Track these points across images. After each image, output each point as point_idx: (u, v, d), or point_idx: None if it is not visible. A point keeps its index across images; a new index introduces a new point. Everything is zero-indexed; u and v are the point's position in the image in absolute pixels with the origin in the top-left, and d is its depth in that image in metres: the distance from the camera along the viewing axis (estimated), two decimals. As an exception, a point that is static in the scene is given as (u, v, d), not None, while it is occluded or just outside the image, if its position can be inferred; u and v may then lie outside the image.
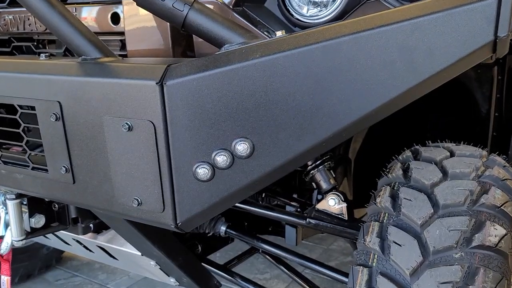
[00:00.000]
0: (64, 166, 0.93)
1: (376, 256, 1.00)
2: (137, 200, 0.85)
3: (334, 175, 1.39)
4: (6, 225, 1.19)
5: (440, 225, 0.96)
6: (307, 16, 1.02)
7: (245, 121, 0.78)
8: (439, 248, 0.94)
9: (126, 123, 0.81)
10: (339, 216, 1.37)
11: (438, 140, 1.29)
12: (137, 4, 0.82)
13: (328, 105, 0.76)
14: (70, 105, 0.88)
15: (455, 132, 1.73)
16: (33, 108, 0.93)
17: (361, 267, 1.01)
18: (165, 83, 0.76)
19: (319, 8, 1.01)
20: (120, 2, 1.07)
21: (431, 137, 1.67)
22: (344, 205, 1.37)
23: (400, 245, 0.97)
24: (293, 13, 1.03)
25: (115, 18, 1.10)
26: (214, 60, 0.77)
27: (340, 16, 0.99)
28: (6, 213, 1.17)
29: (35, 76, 0.91)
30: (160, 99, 0.77)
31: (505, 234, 0.96)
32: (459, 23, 0.74)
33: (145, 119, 0.80)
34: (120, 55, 1.13)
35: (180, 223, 0.84)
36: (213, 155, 0.79)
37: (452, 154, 1.15)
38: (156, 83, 0.76)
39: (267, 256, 1.71)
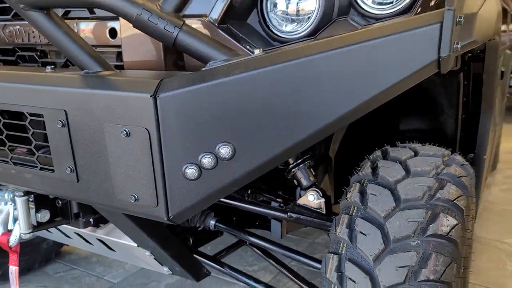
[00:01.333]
0: (69, 167, 1.05)
1: (345, 244, 1.13)
2: (134, 196, 0.98)
3: (314, 173, 1.52)
4: (15, 219, 1.31)
5: (400, 217, 1.10)
6: (285, 32, 1.15)
7: (226, 128, 0.90)
8: (399, 237, 1.07)
9: (124, 130, 0.94)
10: (318, 210, 1.50)
11: (407, 141, 1.42)
12: (133, 26, 0.94)
13: (297, 114, 0.89)
14: (75, 113, 1.00)
15: (427, 133, 1.87)
16: (41, 115, 1.05)
17: (332, 254, 1.14)
18: (158, 96, 0.89)
19: (295, 25, 1.14)
20: (117, 19, 1.19)
21: (405, 138, 1.82)
22: (322, 200, 1.50)
23: (365, 235, 1.10)
24: (272, 29, 1.15)
25: (113, 33, 1.22)
26: (200, 76, 0.90)
27: (314, 32, 1.11)
28: (15, 208, 1.30)
29: (44, 87, 1.03)
30: (154, 109, 0.90)
31: (456, 224, 1.09)
32: (409, 44, 0.87)
33: (140, 126, 0.92)
34: (116, 65, 1.26)
35: (172, 216, 0.96)
36: (199, 158, 0.92)
37: (416, 154, 1.28)
38: (150, 96, 0.89)
39: (255, 249, 1.84)
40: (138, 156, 0.94)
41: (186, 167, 0.92)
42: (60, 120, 1.01)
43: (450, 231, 1.07)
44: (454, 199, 1.13)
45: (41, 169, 1.11)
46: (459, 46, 0.90)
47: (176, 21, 0.92)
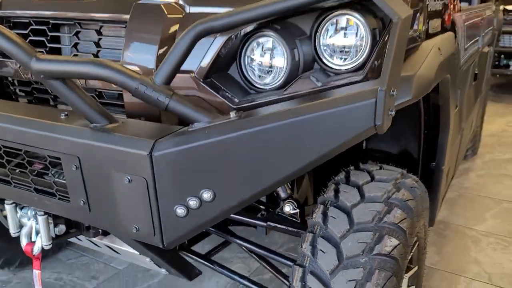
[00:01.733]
0: (82, 200, 1.29)
1: (308, 259, 1.38)
2: (135, 227, 1.23)
3: (290, 186, 1.76)
4: (37, 232, 1.56)
5: (352, 238, 1.34)
6: (260, 83, 1.36)
7: (208, 178, 1.14)
8: (350, 255, 1.31)
9: (127, 177, 1.17)
10: (293, 219, 1.76)
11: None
12: (133, 95, 1.16)
13: (261, 168, 1.12)
14: (86, 160, 1.23)
15: (395, 144, 2.09)
16: (59, 158, 1.29)
17: (298, 266, 1.39)
18: (153, 154, 1.12)
19: (268, 79, 1.35)
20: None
21: (373, 150, 2.06)
22: (297, 210, 1.76)
23: (324, 252, 1.35)
24: (249, 79, 1.37)
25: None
26: (186, 138, 1.12)
27: (284, 85, 1.32)
28: (37, 223, 1.55)
29: (61, 136, 1.25)
30: (150, 164, 1.13)
31: (398, 244, 1.33)
32: (350, 115, 1.09)
33: (140, 175, 1.15)
34: (118, 104, 1.48)
35: (166, 244, 1.21)
36: (187, 200, 1.16)
37: (372, 178, 1.51)
38: (147, 154, 1.12)
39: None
40: (139, 198, 1.18)
41: (177, 207, 1.16)
42: (74, 164, 1.25)
43: (392, 250, 1.32)
44: (399, 222, 1.37)
45: (59, 199, 1.36)
46: (393, 112, 1.12)
47: (167, 92, 1.14)
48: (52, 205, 1.39)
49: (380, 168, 1.59)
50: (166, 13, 1.35)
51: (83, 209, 1.30)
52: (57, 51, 1.61)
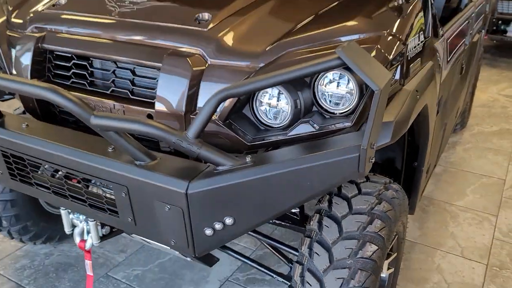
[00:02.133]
0: (129, 218, 1.65)
1: (306, 258, 1.76)
2: (173, 241, 1.59)
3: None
4: (88, 232, 1.94)
5: (341, 244, 1.70)
6: (269, 122, 1.67)
7: (230, 208, 1.48)
8: (339, 258, 1.68)
9: (167, 206, 1.52)
10: (294, 217, 2.13)
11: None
12: (171, 147, 1.48)
13: (271, 201, 1.46)
14: (134, 189, 1.57)
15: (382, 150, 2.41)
16: (110, 186, 1.63)
17: (298, 264, 1.77)
18: (188, 192, 1.46)
19: (275, 119, 1.66)
20: (153, 108, 1.71)
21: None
22: (298, 210, 2.13)
23: (319, 255, 1.72)
24: (260, 119, 1.68)
25: (150, 117, 1.74)
26: (213, 180, 1.46)
27: (289, 124, 1.63)
28: (87, 225, 1.92)
29: (113, 170, 1.59)
30: (185, 198, 1.47)
31: (377, 249, 1.70)
32: (340, 164, 1.41)
33: (177, 206, 1.50)
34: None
35: (197, 254, 1.58)
36: (213, 224, 1.51)
37: (359, 192, 1.86)
38: (184, 192, 1.46)
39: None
40: (176, 221, 1.53)
41: (205, 229, 1.52)
42: (123, 192, 1.59)
43: (372, 254, 1.69)
44: (378, 231, 1.73)
45: (109, 214, 1.71)
46: (373, 159, 1.45)
47: (198, 144, 1.45)
48: (103, 217, 1.75)
49: (367, 180, 1.93)
50: (191, 64, 1.64)
51: (131, 223, 1.66)
52: (95, 85, 1.90)
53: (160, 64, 1.69)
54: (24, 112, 2.33)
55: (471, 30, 3.18)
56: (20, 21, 2.12)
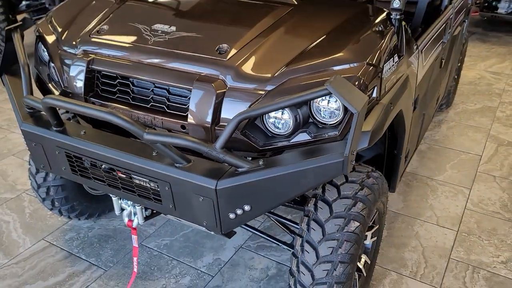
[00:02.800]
0: (171, 205, 2.18)
1: (305, 232, 2.29)
2: (205, 222, 2.13)
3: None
4: (134, 214, 2.48)
5: (332, 221, 2.23)
6: (276, 131, 2.17)
7: (247, 199, 2.01)
8: (330, 232, 2.22)
9: (201, 197, 2.05)
10: (296, 198, 2.66)
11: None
12: (203, 155, 1.99)
13: (279, 192, 1.98)
14: (175, 185, 2.09)
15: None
16: (156, 182, 2.15)
17: (299, 236, 2.31)
18: (217, 188, 1.98)
19: (282, 129, 2.16)
20: (186, 120, 2.21)
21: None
22: (299, 192, 2.65)
23: (314, 230, 2.25)
24: (269, 128, 2.18)
25: (183, 127, 2.24)
26: (235, 179, 1.97)
27: (291, 133, 2.13)
28: (134, 209, 2.46)
29: (158, 170, 2.10)
30: (215, 193, 1.99)
31: (359, 225, 2.23)
32: (330, 166, 1.92)
33: (209, 197, 2.03)
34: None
35: (223, 232, 2.12)
36: (235, 210, 2.04)
37: (346, 180, 2.37)
38: (214, 188, 1.98)
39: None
40: (208, 208, 2.06)
41: (229, 213, 2.05)
42: (167, 186, 2.12)
43: (355, 229, 2.22)
44: (360, 211, 2.26)
45: (154, 201, 2.24)
46: (354, 162, 1.96)
47: (223, 153, 1.96)
48: (149, 204, 2.28)
49: (353, 170, 2.44)
50: (215, 88, 2.13)
51: (171, 209, 2.20)
52: (137, 99, 2.39)
53: (191, 87, 2.17)
54: (68, 115, 2.84)
55: (450, 29, 3.61)
56: (70, 42, 2.58)
